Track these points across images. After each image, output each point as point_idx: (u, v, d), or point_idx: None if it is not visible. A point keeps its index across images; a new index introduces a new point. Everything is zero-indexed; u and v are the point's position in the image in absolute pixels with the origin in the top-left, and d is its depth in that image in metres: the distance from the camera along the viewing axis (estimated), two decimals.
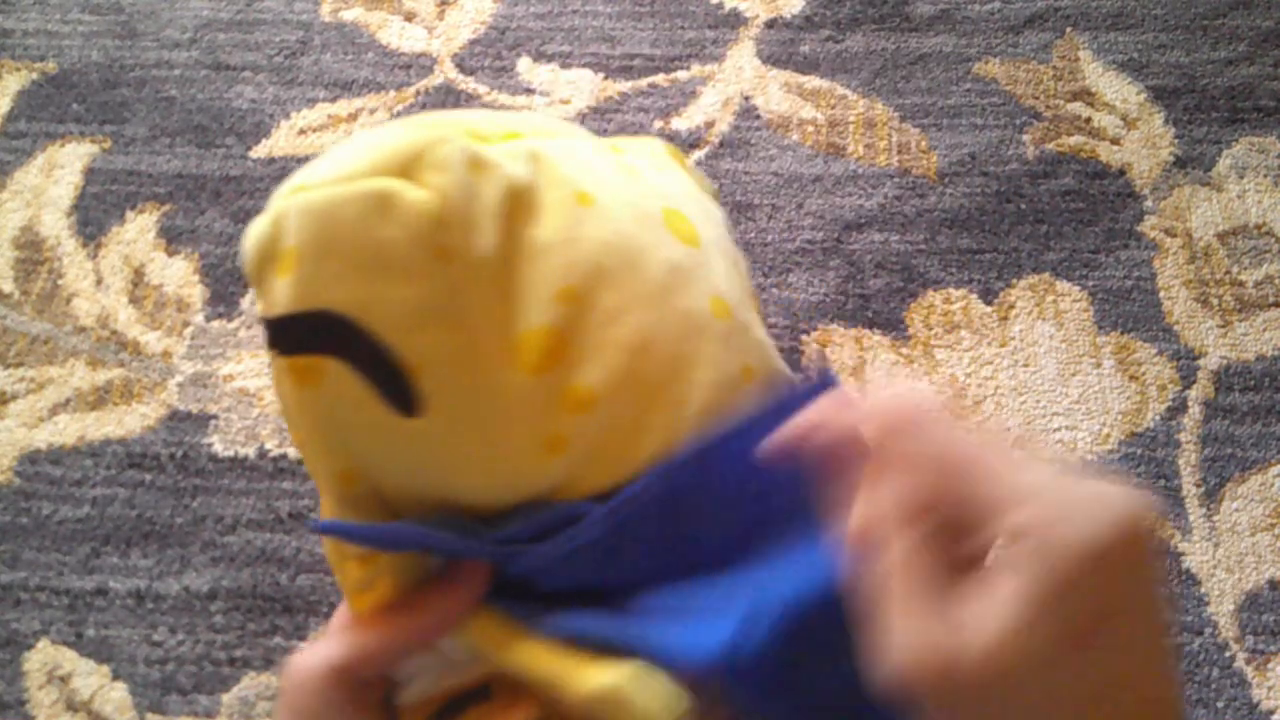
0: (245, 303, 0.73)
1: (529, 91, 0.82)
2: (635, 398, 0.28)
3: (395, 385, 0.27)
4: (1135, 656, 0.22)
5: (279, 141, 0.80)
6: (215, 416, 0.68)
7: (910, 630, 0.23)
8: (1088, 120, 0.79)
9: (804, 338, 0.70)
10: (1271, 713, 0.59)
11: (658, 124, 0.80)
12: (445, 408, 0.27)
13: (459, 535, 0.29)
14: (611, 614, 0.29)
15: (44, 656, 0.61)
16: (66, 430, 0.68)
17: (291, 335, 0.27)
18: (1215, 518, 0.64)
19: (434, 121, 0.28)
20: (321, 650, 0.30)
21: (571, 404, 0.28)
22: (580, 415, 0.28)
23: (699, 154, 0.78)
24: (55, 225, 0.76)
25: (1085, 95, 0.81)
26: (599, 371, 0.28)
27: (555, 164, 0.29)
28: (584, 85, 0.82)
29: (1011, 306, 0.71)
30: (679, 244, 0.30)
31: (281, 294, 0.27)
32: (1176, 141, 0.78)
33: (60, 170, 0.79)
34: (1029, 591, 0.21)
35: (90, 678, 0.60)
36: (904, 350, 0.70)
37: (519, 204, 0.28)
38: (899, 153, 0.78)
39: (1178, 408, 0.68)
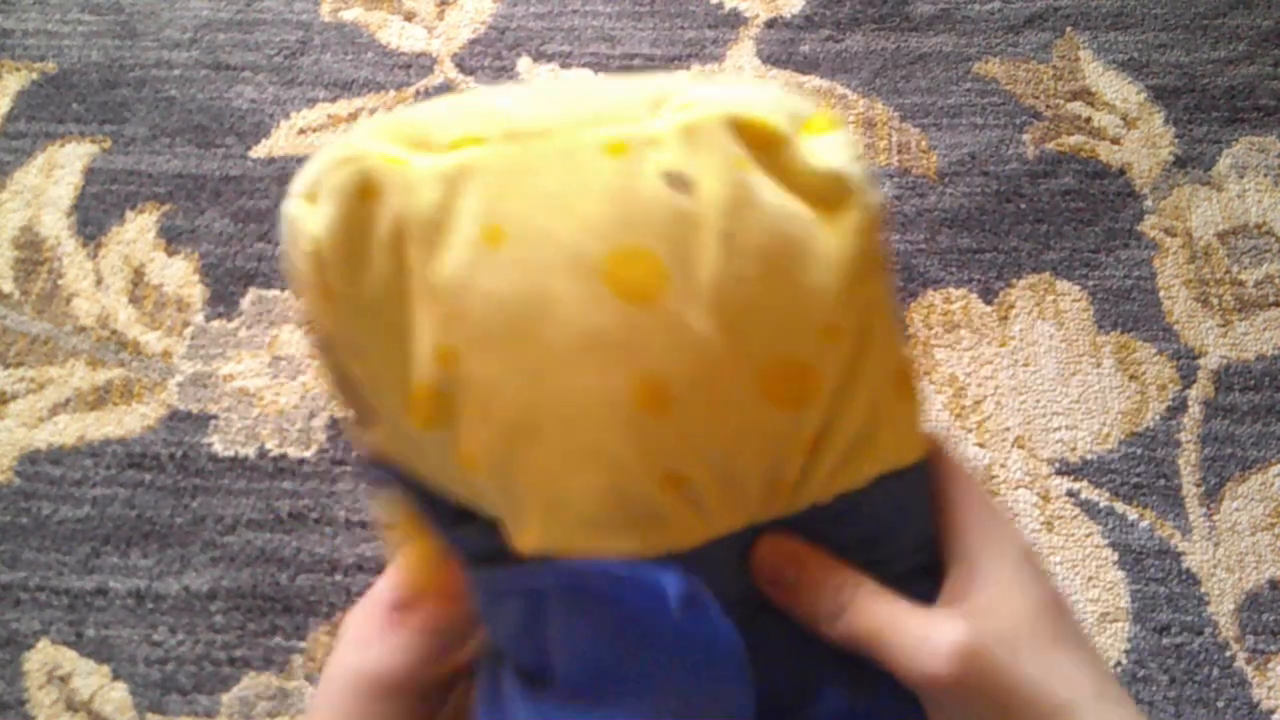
0: (245, 303, 0.73)
1: None
2: (513, 481, 0.25)
3: (352, 393, 0.27)
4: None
5: (279, 141, 0.80)
6: (215, 416, 0.68)
7: (929, 632, 0.25)
8: (1088, 120, 0.79)
9: None
10: (1272, 712, 0.59)
11: None
12: (384, 429, 0.27)
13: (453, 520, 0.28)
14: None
15: (44, 656, 0.61)
16: (66, 430, 0.68)
17: None
18: (1215, 517, 0.64)
19: (374, 128, 0.26)
20: (390, 645, 0.29)
21: (464, 460, 0.26)
22: (472, 472, 0.26)
23: None
24: (55, 225, 0.77)
25: (1085, 95, 0.81)
26: (479, 444, 0.25)
27: (481, 188, 0.25)
28: None
29: (1011, 306, 0.71)
30: (613, 300, 0.24)
31: None
32: (1176, 141, 0.78)
33: (60, 170, 0.79)
34: (1007, 576, 0.26)
35: (90, 678, 0.60)
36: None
37: (416, 238, 0.25)
38: (899, 152, 0.78)
39: (1178, 407, 0.68)
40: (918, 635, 0.26)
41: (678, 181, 0.25)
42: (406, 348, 0.25)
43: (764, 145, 0.27)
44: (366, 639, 0.30)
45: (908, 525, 0.29)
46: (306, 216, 0.25)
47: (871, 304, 0.27)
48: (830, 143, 0.27)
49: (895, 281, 0.31)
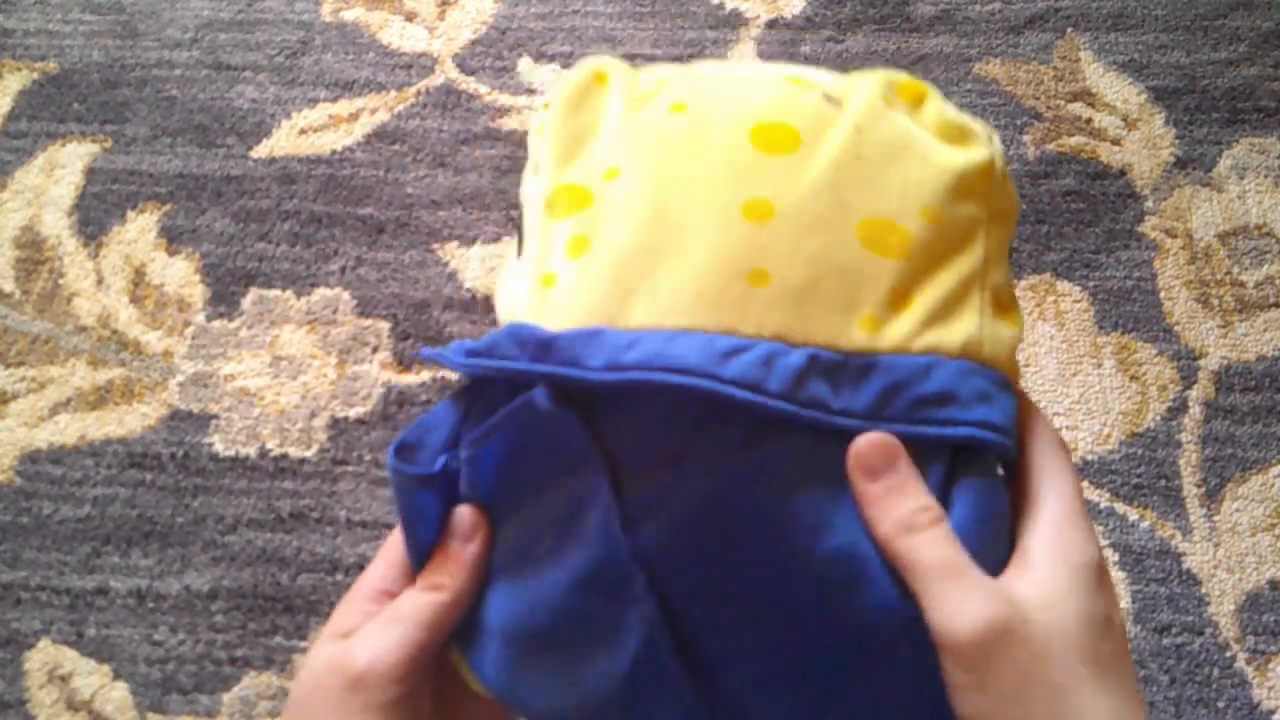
0: (246, 303, 0.73)
1: (530, 91, 0.82)
2: (618, 256, 0.30)
3: (520, 223, 0.35)
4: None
5: (280, 141, 0.80)
6: (216, 416, 0.68)
7: (978, 593, 0.26)
8: (1088, 121, 0.79)
9: None
10: (1272, 713, 0.59)
11: None
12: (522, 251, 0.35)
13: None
14: None
15: (45, 656, 0.61)
16: (67, 430, 0.68)
17: None
18: (1216, 518, 0.64)
19: (603, 60, 0.36)
20: (393, 635, 0.29)
21: (570, 246, 0.31)
22: (572, 259, 0.31)
23: None
24: (56, 225, 0.77)
25: (1086, 96, 0.81)
26: (603, 228, 0.30)
27: (681, 86, 0.33)
28: None
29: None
30: (751, 150, 0.31)
31: None
32: (1177, 142, 0.78)
33: (61, 170, 0.79)
34: (1064, 583, 0.26)
35: (91, 677, 0.60)
36: None
37: (627, 104, 0.33)
38: None
39: (1178, 408, 0.68)
40: (962, 593, 0.26)
41: (832, 99, 0.33)
42: (576, 165, 0.32)
43: (911, 96, 0.34)
44: (348, 627, 0.30)
45: (992, 529, 0.29)
46: (552, 86, 0.36)
47: (976, 221, 0.32)
48: (975, 121, 0.33)
49: (1010, 235, 0.34)
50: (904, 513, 0.28)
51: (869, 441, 0.28)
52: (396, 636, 0.29)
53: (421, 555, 0.31)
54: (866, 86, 0.33)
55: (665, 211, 0.30)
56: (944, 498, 0.29)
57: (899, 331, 0.29)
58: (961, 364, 0.29)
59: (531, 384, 0.29)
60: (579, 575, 0.30)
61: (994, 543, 0.29)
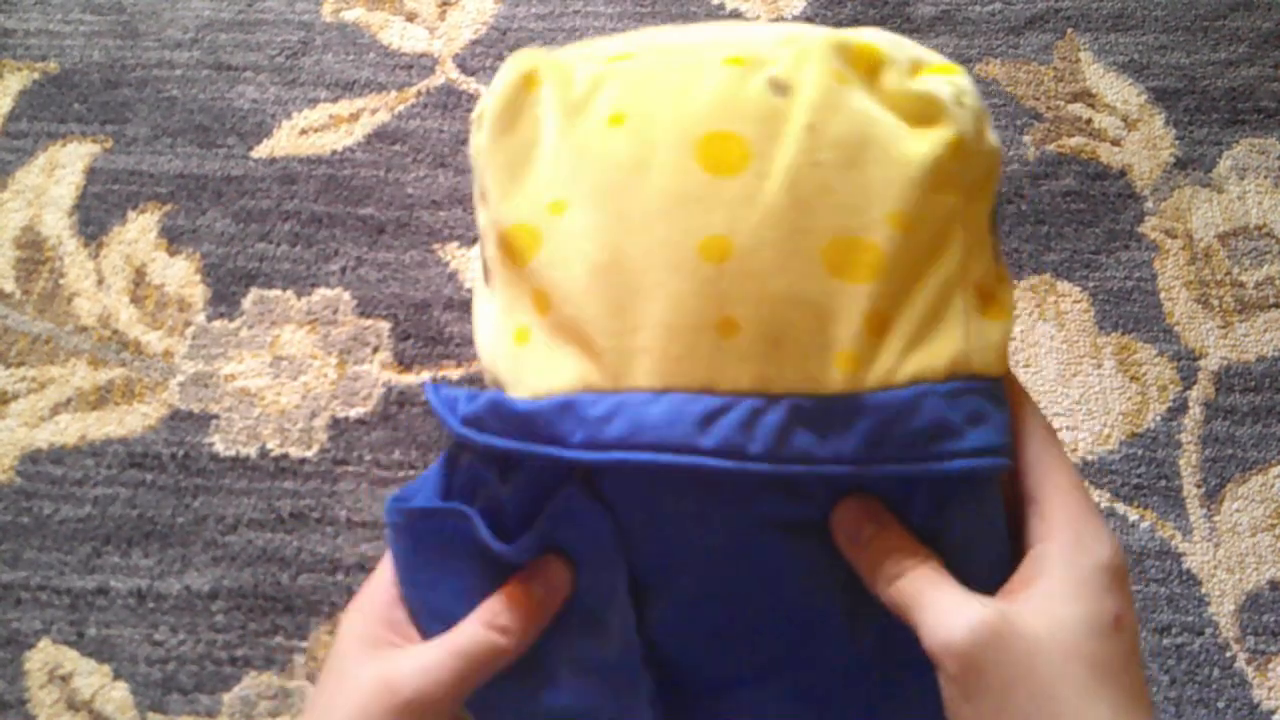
0: (246, 303, 0.73)
1: None
2: (583, 314, 0.28)
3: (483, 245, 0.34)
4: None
5: (280, 142, 0.80)
6: (216, 416, 0.68)
7: (965, 603, 0.26)
8: (1088, 121, 0.79)
9: None
10: (1272, 713, 0.59)
11: None
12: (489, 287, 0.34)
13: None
14: None
15: (45, 656, 0.61)
16: (68, 430, 0.68)
17: None
18: (1216, 518, 0.64)
19: (558, 50, 0.33)
20: (449, 667, 0.29)
21: (535, 300, 0.30)
22: (540, 317, 0.29)
23: None
24: (57, 225, 0.77)
25: (1086, 96, 0.81)
26: (561, 281, 0.29)
27: (618, 86, 0.31)
28: None
29: (1012, 307, 0.71)
30: (699, 171, 0.29)
31: None
32: (1177, 143, 0.78)
33: (62, 170, 0.79)
34: (1068, 588, 0.26)
35: (91, 677, 0.60)
36: None
37: (560, 115, 0.31)
38: None
39: (1178, 408, 0.68)
40: (949, 606, 0.26)
41: (779, 86, 0.30)
42: (520, 196, 0.31)
43: (866, 66, 0.31)
44: (374, 639, 0.30)
45: (988, 544, 0.29)
46: (484, 94, 0.33)
47: (951, 214, 0.30)
48: (940, 79, 0.31)
49: (992, 212, 0.32)
50: (889, 565, 0.27)
51: (845, 507, 0.28)
52: (451, 669, 0.28)
53: (427, 603, 0.31)
54: (817, 61, 0.30)
55: (620, 258, 0.28)
56: (939, 520, 0.28)
57: (881, 366, 0.28)
58: (950, 385, 0.28)
59: (516, 460, 0.29)
60: (593, 672, 0.30)
61: (993, 557, 0.29)
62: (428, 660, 0.29)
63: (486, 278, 0.33)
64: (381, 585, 0.32)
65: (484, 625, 0.29)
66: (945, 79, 0.31)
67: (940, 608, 0.26)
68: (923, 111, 0.30)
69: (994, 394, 0.29)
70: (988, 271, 0.31)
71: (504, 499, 0.30)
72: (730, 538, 0.29)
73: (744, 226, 0.28)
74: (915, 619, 0.27)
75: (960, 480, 0.28)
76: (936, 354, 0.28)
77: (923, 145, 0.29)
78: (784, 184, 0.28)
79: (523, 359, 0.29)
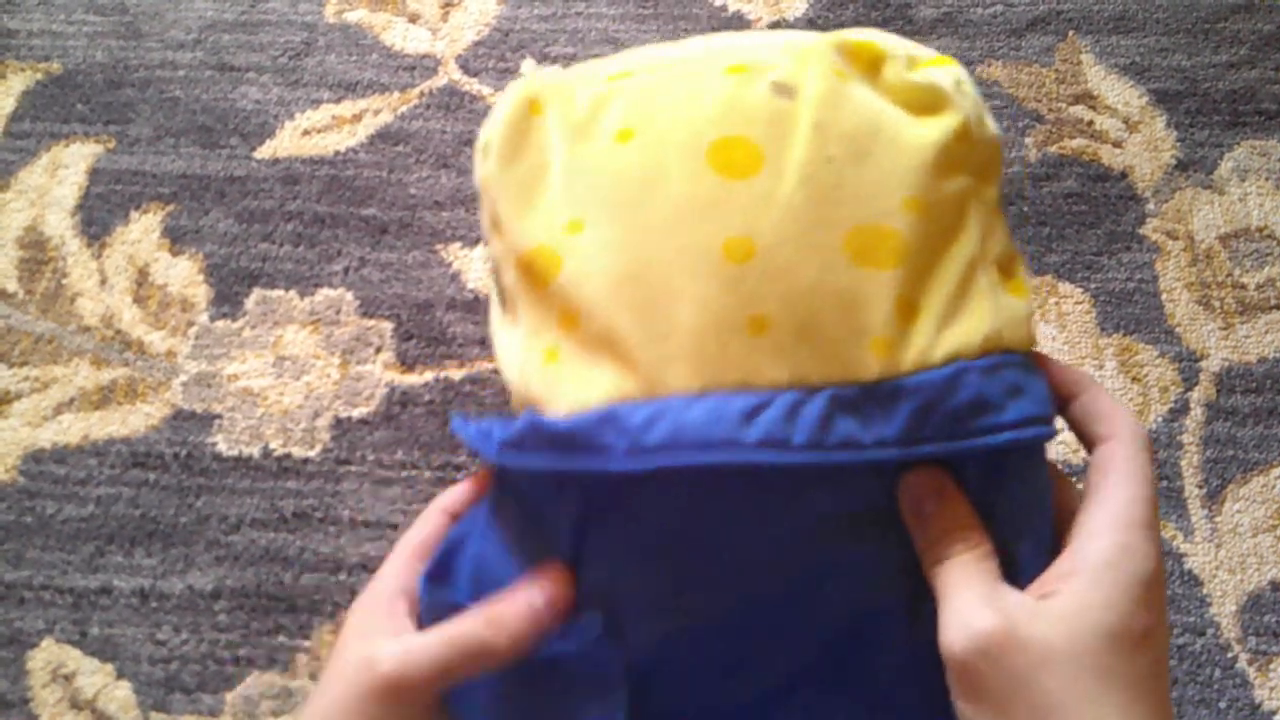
0: (249, 303, 0.73)
1: None
2: (613, 326, 0.28)
3: (497, 275, 0.34)
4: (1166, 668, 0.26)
5: (283, 142, 0.80)
6: (219, 416, 0.68)
7: (977, 608, 0.26)
8: (1090, 123, 0.80)
9: None
10: (1273, 713, 0.59)
11: None
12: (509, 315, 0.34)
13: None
14: None
15: (48, 655, 0.61)
16: (71, 429, 0.68)
17: None
18: (1217, 519, 0.64)
19: (560, 71, 0.34)
20: (436, 653, 0.29)
21: (561, 319, 0.30)
22: (568, 334, 0.29)
23: None
24: (60, 225, 0.77)
25: (1087, 98, 0.81)
26: (586, 297, 0.29)
27: (622, 104, 0.31)
28: None
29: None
30: (713, 176, 0.29)
31: None
32: (1178, 145, 0.79)
33: (65, 170, 0.79)
34: (1102, 596, 0.26)
35: (94, 676, 0.61)
36: None
37: (566, 138, 0.31)
38: None
39: (1180, 409, 0.68)
40: (964, 607, 0.26)
41: (782, 89, 0.30)
42: (535, 220, 0.31)
43: (866, 62, 0.31)
44: (372, 628, 0.30)
45: (1036, 517, 0.29)
46: (487, 123, 0.33)
47: (964, 196, 0.30)
48: (939, 70, 0.31)
49: (997, 185, 0.32)
50: (939, 546, 0.28)
51: (913, 478, 0.28)
52: (436, 655, 0.28)
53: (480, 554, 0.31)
54: (818, 62, 0.31)
55: (643, 267, 0.28)
56: (989, 495, 0.28)
57: (916, 347, 0.28)
58: (986, 361, 0.28)
59: (563, 476, 0.28)
60: None
61: (1039, 532, 0.29)
62: (412, 643, 0.29)
63: (504, 305, 0.33)
64: (386, 580, 0.32)
65: (484, 621, 0.29)
66: (942, 70, 0.31)
67: (957, 607, 0.26)
68: (926, 100, 0.31)
69: (1027, 366, 0.29)
70: (1005, 249, 0.31)
71: (560, 522, 0.29)
72: (780, 538, 0.29)
73: (764, 225, 0.28)
74: (939, 613, 0.27)
75: (1006, 454, 0.28)
76: (970, 330, 0.28)
77: (930, 131, 0.30)
78: (799, 181, 0.29)
79: (556, 377, 0.29)
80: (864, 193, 0.29)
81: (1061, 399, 0.31)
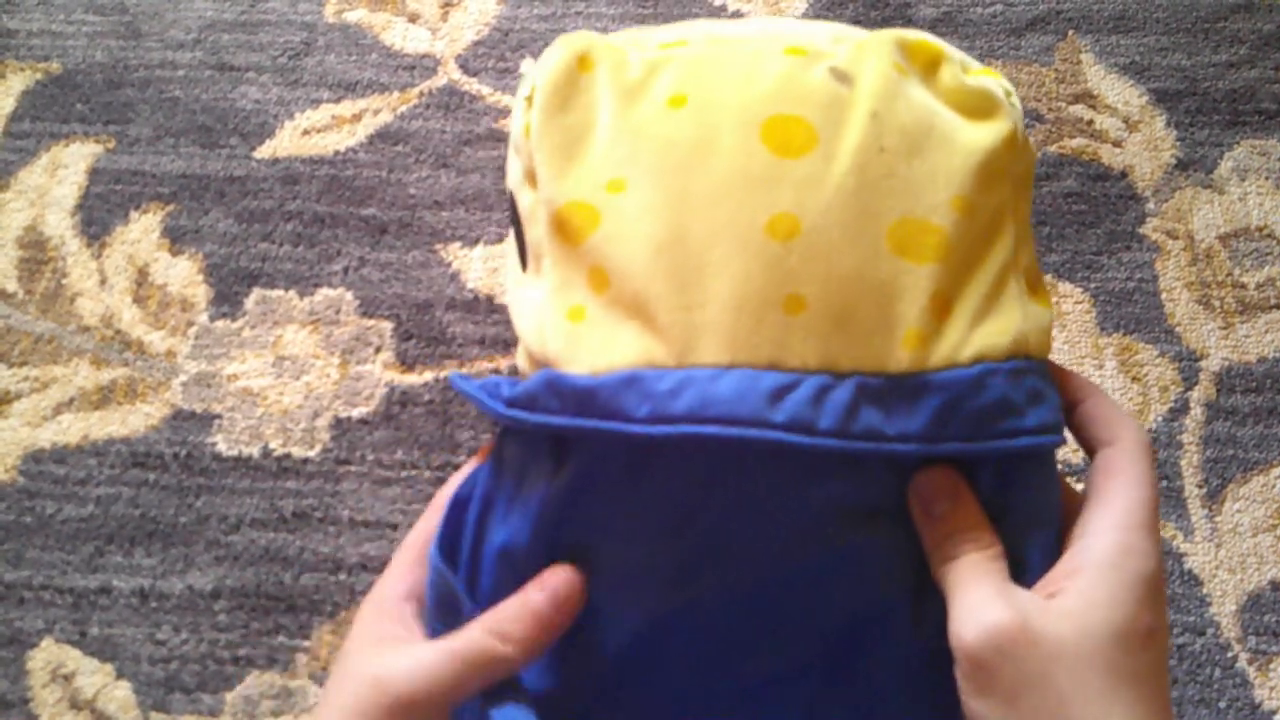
0: (249, 303, 0.73)
1: None
2: (646, 292, 0.28)
3: (520, 235, 0.34)
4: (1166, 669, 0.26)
5: (283, 142, 0.80)
6: (219, 416, 0.68)
7: (990, 603, 0.26)
8: (1090, 123, 0.80)
9: None
10: (1273, 713, 0.59)
11: None
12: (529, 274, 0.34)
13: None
14: None
15: (48, 655, 0.61)
16: (70, 429, 0.68)
17: None
18: (1217, 519, 0.64)
19: (606, 35, 0.34)
20: (445, 670, 0.28)
21: (591, 278, 0.29)
22: (597, 294, 0.29)
23: None
24: (59, 225, 0.77)
25: (1087, 98, 0.81)
26: (623, 258, 0.29)
27: (676, 70, 0.31)
28: None
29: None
30: (765, 152, 0.29)
31: None
32: (1178, 144, 0.78)
33: (64, 170, 0.79)
34: (1107, 594, 0.26)
35: (94, 676, 0.61)
36: None
37: (617, 97, 0.31)
38: None
39: (1180, 409, 0.68)
40: (975, 602, 0.26)
41: (841, 76, 0.30)
42: (575, 176, 0.30)
43: (924, 61, 0.32)
44: (380, 636, 0.30)
45: (1046, 521, 0.29)
46: (533, 70, 0.33)
47: (1004, 203, 0.30)
48: (990, 80, 0.32)
49: (1030, 199, 0.33)
50: (949, 545, 0.28)
51: (925, 477, 0.28)
52: (447, 672, 0.28)
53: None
54: (876, 54, 0.31)
55: (684, 235, 0.28)
56: (1002, 498, 0.28)
57: (946, 344, 0.28)
58: (1011, 365, 0.28)
59: (573, 436, 0.28)
60: None
61: (1049, 536, 0.29)
62: (424, 659, 0.28)
63: (529, 263, 0.32)
64: (393, 580, 0.32)
65: (488, 632, 0.29)
66: (993, 80, 0.32)
67: (968, 602, 0.27)
68: (979, 106, 0.31)
69: (1045, 374, 0.30)
70: (1032, 262, 0.32)
71: (553, 492, 0.29)
72: (793, 523, 0.28)
73: (812, 206, 0.28)
74: (949, 608, 0.27)
75: (1022, 459, 0.29)
76: (999, 333, 0.28)
77: (983, 136, 0.30)
78: (851, 167, 0.29)
79: (579, 336, 0.29)
80: (913, 187, 0.29)
81: (1066, 404, 0.31)
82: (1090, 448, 0.31)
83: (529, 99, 0.33)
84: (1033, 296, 0.31)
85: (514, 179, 0.33)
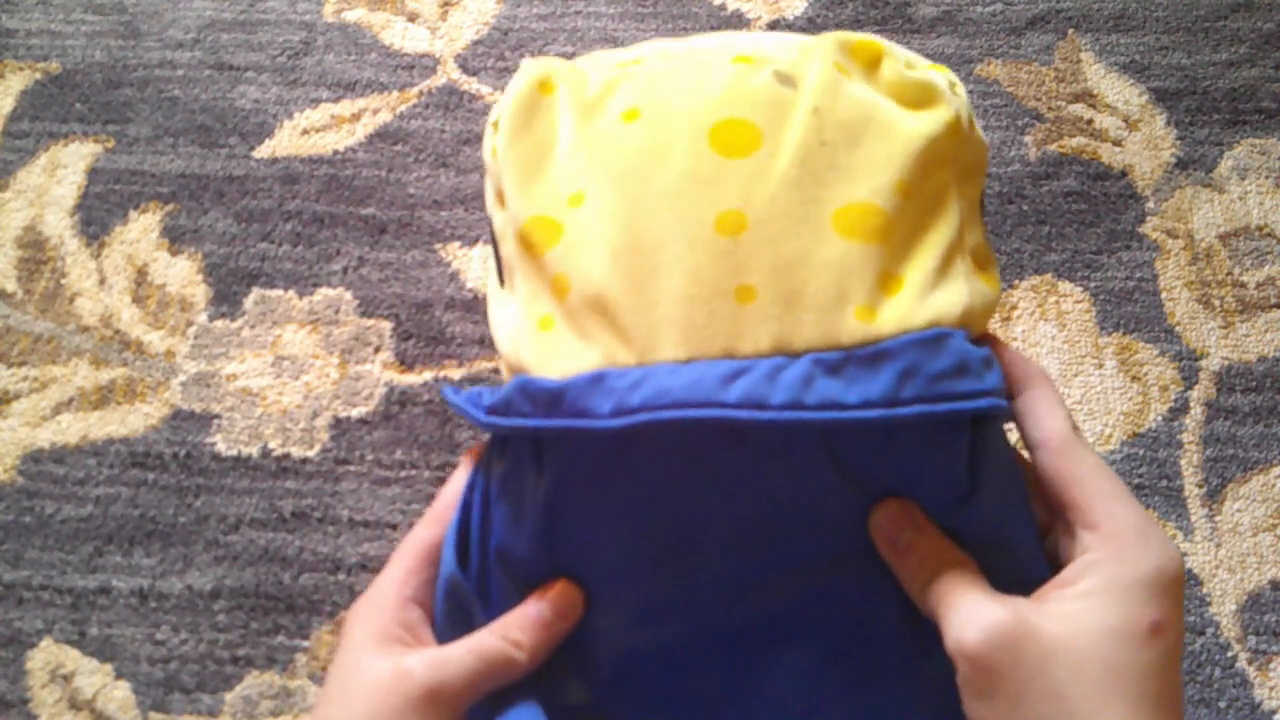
0: (248, 303, 0.73)
1: None
2: (607, 294, 0.29)
3: (496, 249, 0.35)
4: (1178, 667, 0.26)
5: (282, 142, 0.80)
6: (218, 416, 0.68)
7: (985, 605, 0.26)
8: (1090, 122, 0.79)
9: None
10: (1273, 713, 0.59)
11: None
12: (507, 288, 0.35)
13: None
14: None
15: (47, 655, 0.61)
16: (69, 429, 0.68)
17: None
18: (1217, 518, 0.64)
19: (570, 60, 0.35)
20: (468, 665, 0.29)
21: (554, 286, 0.31)
22: (560, 302, 0.30)
23: None
24: (58, 225, 0.77)
25: (1087, 97, 0.81)
26: (583, 265, 0.30)
27: (630, 86, 0.33)
28: None
29: (1014, 307, 0.72)
30: (712, 154, 0.30)
31: None
32: (1178, 143, 0.78)
33: (63, 170, 0.79)
34: (1104, 594, 0.26)
35: (93, 676, 0.61)
36: None
37: (576, 115, 0.32)
38: None
39: (1180, 408, 0.68)
40: (968, 607, 0.27)
41: (784, 79, 0.32)
42: (538, 192, 0.31)
43: (866, 59, 0.34)
44: (384, 635, 0.30)
45: (1019, 531, 0.30)
46: (500, 101, 0.35)
47: (947, 186, 0.31)
48: (934, 72, 0.33)
49: (981, 187, 0.34)
50: (924, 571, 0.28)
51: (883, 511, 0.29)
52: (469, 667, 0.29)
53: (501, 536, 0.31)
54: (819, 56, 0.32)
55: (639, 239, 0.29)
56: (971, 477, 0.29)
57: (899, 310, 0.29)
58: (963, 331, 0.29)
59: (548, 439, 0.29)
60: None
61: (1025, 548, 0.29)
62: (446, 654, 0.29)
63: (503, 279, 0.34)
64: (392, 583, 0.32)
65: (499, 637, 0.30)
66: (937, 73, 0.33)
67: (961, 609, 0.27)
68: (919, 96, 0.32)
69: (987, 346, 0.31)
70: (981, 245, 0.33)
71: (540, 496, 0.30)
72: (765, 504, 0.29)
73: (757, 200, 0.30)
74: (940, 621, 0.27)
75: (984, 435, 0.29)
76: (950, 303, 0.29)
77: (922, 123, 0.31)
78: (793, 160, 0.30)
79: (547, 344, 0.30)
80: (855, 174, 0.30)
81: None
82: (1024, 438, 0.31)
83: (495, 124, 0.34)
84: (980, 274, 0.32)
85: (489, 201, 0.35)
